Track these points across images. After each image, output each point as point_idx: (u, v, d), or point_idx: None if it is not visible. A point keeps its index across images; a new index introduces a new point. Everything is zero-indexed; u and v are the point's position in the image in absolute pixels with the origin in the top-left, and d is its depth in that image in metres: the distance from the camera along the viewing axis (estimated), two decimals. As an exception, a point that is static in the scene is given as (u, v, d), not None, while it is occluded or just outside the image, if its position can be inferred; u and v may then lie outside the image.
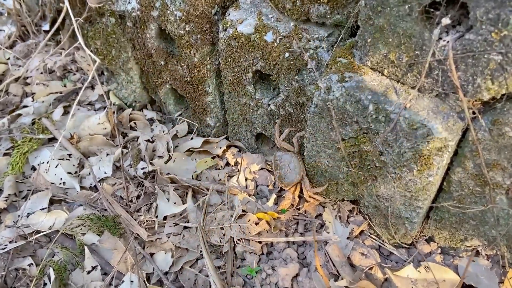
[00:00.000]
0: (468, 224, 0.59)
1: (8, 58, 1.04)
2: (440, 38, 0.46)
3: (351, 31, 0.59)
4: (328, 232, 0.65)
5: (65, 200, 0.72)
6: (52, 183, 0.75)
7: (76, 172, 0.77)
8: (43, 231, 0.66)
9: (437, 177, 0.53)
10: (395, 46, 0.49)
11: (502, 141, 0.48)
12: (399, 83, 0.53)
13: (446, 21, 0.44)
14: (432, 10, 0.45)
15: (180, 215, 0.69)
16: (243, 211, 0.68)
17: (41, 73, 0.98)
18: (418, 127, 0.49)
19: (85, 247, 0.63)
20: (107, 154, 0.80)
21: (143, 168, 0.76)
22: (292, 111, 0.67)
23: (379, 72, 0.54)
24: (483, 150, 0.50)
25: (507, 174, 0.50)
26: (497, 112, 0.47)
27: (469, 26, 0.44)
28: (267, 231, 0.66)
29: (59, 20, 0.90)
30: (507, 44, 0.41)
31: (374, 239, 0.66)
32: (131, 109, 0.90)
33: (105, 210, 0.70)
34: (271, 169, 0.77)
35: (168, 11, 0.69)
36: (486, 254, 0.61)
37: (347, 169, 0.60)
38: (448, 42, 0.45)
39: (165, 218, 0.69)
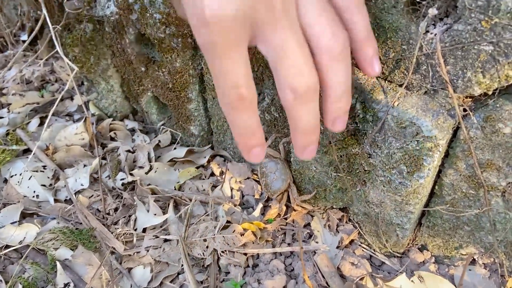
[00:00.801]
0: (463, 230, 0.56)
1: (-15, 70, 1.01)
2: (427, 31, 0.44)
3: (335, 31, 0.57)
4: (316, 242, 0.61)
5: (37, 213, 0.68)
6: (24, 196, 0.71)
7: (50, 185, 0.73)
8: (13, 246, 0.62)
9: (428, 179, 0.50)
10: (381, 41, 0.47)
11: (496, 138, 0.45)
12: (386, 81, 0.50)
13: (433, 11, 0.41)
14: (418, 1, 0.43)
15: (161, 227, 0.65)
16: (228, 222, 0.64)
17: (18, 83, 0.95)
18: (406, 125, 0.47)
19: (57, 263, 0.59)
20: (84, 165, 0.76)
21: (122, 179, 0.72)
22: (277, 115, 0.64)
23: (366, 71, 0.52)
24: (476, 149, 0.47)
25: (503, 174, 0.47)
26: (489, 109, 0.45)
27: (457, 17, 0.42)
28: (253, 242, 0.62)
29: (37, 28, 0.87)
30: (498, 32, 0.39)
31: (364, 248, 0.62)
32: (111, 119, 0.87)
33: (80, 223, 0.66)
34: (258, 178, 0.74)
35: (148, 14, 0.67)
36: (483, 263, 0.58)
37: (335, 174, 0.57)
38: (435, 34, 0.43)
39: (144, 230, 0.65)
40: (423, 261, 0.61)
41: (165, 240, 0.64)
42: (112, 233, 0.63)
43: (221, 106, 0.38)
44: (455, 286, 0.56)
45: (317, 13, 0.35)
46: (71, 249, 0.61)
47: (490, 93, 0.45)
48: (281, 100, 0.37)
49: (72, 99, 0.95)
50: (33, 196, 0.70)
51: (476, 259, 0.58)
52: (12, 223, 0.65)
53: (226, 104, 0.37)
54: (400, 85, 0.49)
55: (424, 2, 0.42)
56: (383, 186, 0.54)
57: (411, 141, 0.47)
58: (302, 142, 0.41)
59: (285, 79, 0.36)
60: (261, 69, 0.60)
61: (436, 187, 0.54)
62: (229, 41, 0.33)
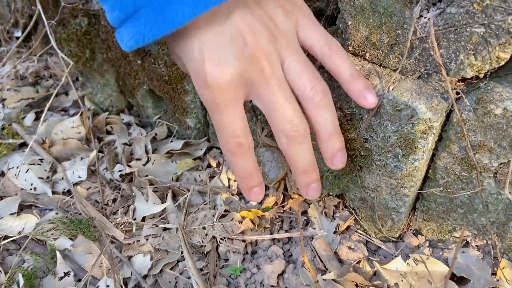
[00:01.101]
0: (456, 213, 0.57)
1: (-22, 67, 1.01)
2: (421, 16, 0.45)
3: (331, 20, 0.58)
4: (314, 228, 0.62)
5: (35, 205, 0.68)
6: (22, 189, 0.71)
7: (48, 177, 0.73)
8: (12, 237, 0.62)
9: (422, 161, 0.52)
10: (376, 26, 0.48)
11: (487, 120, 0.47)
12: (381, 67, 0.52)
13: (426, -5, 0.43)
14: (412, -15, 0.45)
15: (160, 216, 0.65)
16: (226, 210, 0.65)
17: (12, 79, 0.95)
18: (402, 108, 0.48)
19: (57, 252, 0.59)
20: (82, 158, 0.76)
21: (120, 171, 0.73)
22: (273, 105, 0.65)
23: (361, 57, 0.53)
24: (469, 131, 0.49)
25: (494, 155, 0.49)
26: (481, 91, 0.47)
27: (450, 1, 0.44)
28: (251, 230, 0.63)
29: (31, 23, 0.87)
30: (490, 14, 0.40)
31: (360, 234, 0.64)
32: (107, 113, 0.87)
33: (79, 214, 0.66)
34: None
35: (144, 6, 0.67)
36: (476, 245, 0.60)
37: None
38: (429, 18, 0.44)
39: (143, 220, 0.65)
40: (418, 245, 0.62)
41: (164, 229, 0.64)
42: (111, 222, 0.63)
43: (223, 152, 0.46)
44: (449, 267, 0.58)
45: (299, 70, 0.43)
46: (70, 238, 0.61)
47: (481, 76, 0.47)
48: (279, 146, 0.45)
49: (67, 94, 0.95)
50: (31, 189, 0.71)
51: (469, 242, 0.60)
52: (10, 214, 0.65)
53: (227, 151, 0.44)
54: (395, 70, 0.51)
55: (417, -13, 0.43)
56: (379, 170, 0.55)
57: (406, 124, 0.48)
58: (303, 182, 0.48)
59: (278, 127, 0.43)
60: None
61: (430, 170, 0.56)
62: (227, 100, 0.40)
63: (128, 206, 0.67)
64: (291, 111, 0.42)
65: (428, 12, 0.45)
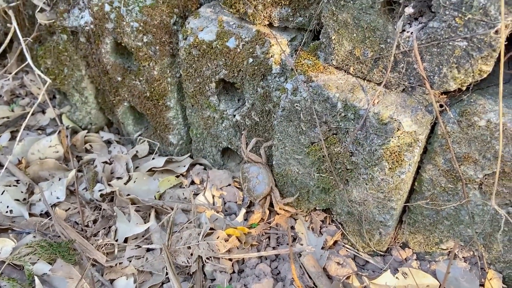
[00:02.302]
0: (443, 225, 0.58)
1: (-50, 85, 0.97)
2: (403, 30, 0.46)
3: (313, 35, 0.59)
4: (301, 244, 0.62)
5: (12, 228, 0.65)
6: (-3, 212, 0.68)
7: (24, 199, 0.70)
8: (-14, 263, 0.59)
9: (409, 174, 0.52)
10: (359, 41, 0.49)
11: (472, 132, 0.47)
12: (365, 81, 0.52)
13: (409, 10, 0.43)
14: (394, 0, 0.45)
15: (143, 236, 0.63)
16: (211, 228, 0.64)
17: (-14, 98, 0.92)
18: (387, 121, 0.48)
19: (36, 278, 0.56)
20: (60, 178, 0.74)
21: (100, 190, 0.71)
22: (258, 120, 0.65)
23: (345, 71, 0.53)
24: (453, 143, 0.49)
25: (479, 167, 0.49)
26: (464, 104, 0.47)
27: (431, 16, 0.44)
28: (238, 248, 0.62)
29: (6, 41, 0.85)
30: (472, 28, 0.41)
31: (348, 248, 0.63)
32: (85, 131, 0.85)
33: (58, 236, 0.63)
34: (239, 185, 0.74)
35: (124, 23, 0.66)
36: (463, 256, 0.60)
37: (318, 174, 0.58)
38: (411, 32, 0.45)
39: (126, 241, 0.63)
40: (406, 258, 0.62)
41: (148, 250, 0.62)
42: (92, 244, 0.61)
43: None
44: (438, 280, 0.57)
45: None
46: (49, 263, 0.59)
47: (464, 88, 0.47)
48: None
49: (44, 112, 0.92)
50: (7, 211, 0.68)
51: (456, 253, 0.60)
52: (-15, 239, 0.62)
53: None
54: (379, 84, 0.51)
55: (401, 1, 0.44)
56: (366, 184, 0.55)
57: (392, 137, 0.48)
58: None
59: None
60: (241, 73, 0.61)
61: (416, 183, 0.56)
62: None
63: (110, 227, 0.65)
64: None
65: (410, 27, 0.46)
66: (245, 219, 0.67)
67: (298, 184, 0.62)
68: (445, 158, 0.51)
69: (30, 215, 0.68)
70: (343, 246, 0.63)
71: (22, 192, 0.71)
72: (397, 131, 0.48)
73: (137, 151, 0.81)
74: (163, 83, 0.71)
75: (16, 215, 0.68)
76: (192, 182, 0.76)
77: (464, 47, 0.43)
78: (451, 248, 0.59)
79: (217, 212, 0.68)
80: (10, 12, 0.85)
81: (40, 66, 0.82)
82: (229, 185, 0.74)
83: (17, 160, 0.77)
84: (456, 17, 0.41)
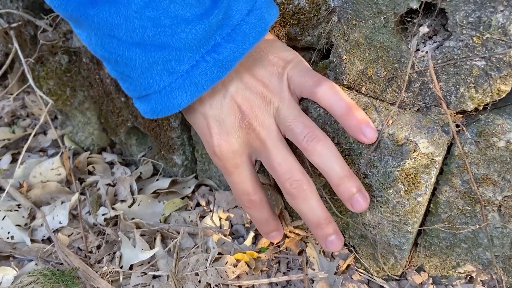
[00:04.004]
0: (460, 248, 0.56)
1: (-50, 107, 0.96)
2: (418, 49, 0.45)
3: (322, 54, 0.57)
4: (313, 269, 0.59)
5: (13, 255, 0.63)
6: (-2, 238, 0.66)
7: (26, 224, 0.69)
8: (-14, 294, 0.57)
9: (425, 196, 0.50)
10: (372, 60, 0.47)
11: (490, 153, 0.46)
12: (378, 100, 0.50)
13: (424, 29, 0.42)
14: (408, 19, 0.44)
15: (148, 263, 0.61)
16: (219, 253, 0.62)
17: (-13, 120, 0.90)
18: (403, 143, 0.46)
19: (37, 309, 0.54)
20: (62, 202, 0.72)
21: (103, 214, 0.69)
22: (265, 140, 0.63)
23: (356, 91, 0.52)
24: (471, 164, 0.47)
25: (498, 188, 0.48)
26: (482, 124, 0.46)
27: (447, 34, 0.43)
28: (247, 273, 0.60)
29: (8, 62, 0.84)
30: (490, 47, 0.40)
31: (361, 273, 0.61)
32: (88, 152, 0.83)
33: (61, 264, 0.61)
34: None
35: (128, 43, 0.65)
36: (481, 280, 0.58)
37: (329, 196, 0.56)
38: (427, 52, 0.44)
39: (131, 267, 0.61)
40: (421, 283, 0.60)
41: (154, 277, 0.60)
42: (96, 272, 0.59)
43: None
44: (456, 305, 0.55)
45: (292, 121, 0.47)
46: (52, 292, 0.57)
47: (481, 108, 0.46)
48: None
49: (45, 134, 0.91)
50: (8, 238, 0.66)
51: (474, 277, 0.58)
52: (-15, 268, 0.60)
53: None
54: (393, 104, 0.49)
55: (415, 21, 0.43)
56: (380, 206, 0.53)
57: (408, 159, 0.47)
58: (320, 235, 0.51)
59: (280, 185, 0.48)
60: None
61: (431, 205, 0.54)
62: (234, 165, 0.47)
63: (114, 253, 0.63)
64: (288, 168, 0.46)
65: (425, 46, 0.44)
66: (254, 243, 0.65)
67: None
68: (463, 179, 0.49)
69: (32, 241, 0.66)
70: (356, 270, 0.61)
71: (23, 217, 0.69)
72: (413, 152, 0.46)
73: (141, 173, 0.79)
74: (168, 104, 0.69)
75: (17, 241, 0.66)
76: (198, 204, 0.74)
77: (482, 66, 0.41)
78: (468, 272, 0.57)
79: (225, 235, 0.66)
80: (12, 33, 0.84)
81: (42, 87, 0.81)
82: (236, 206, 0.72)
83: (18, 184, 0.75)
84: (474, 36, 0.40)
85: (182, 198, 0.74)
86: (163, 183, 0.76)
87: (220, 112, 0.45)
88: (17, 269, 0.60)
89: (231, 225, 0.70)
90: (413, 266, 0.61)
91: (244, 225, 0.69)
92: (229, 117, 0.45)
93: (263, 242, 0.63)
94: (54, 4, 0.39)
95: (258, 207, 0.51)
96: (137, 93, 0.44)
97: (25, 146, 0.72)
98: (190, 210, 0.73)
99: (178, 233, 0.66)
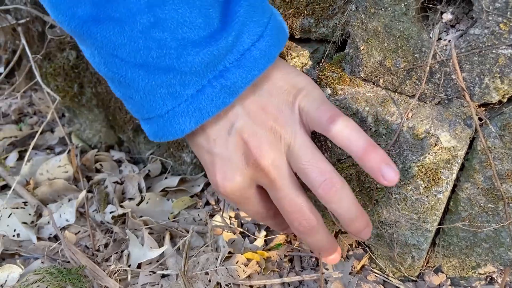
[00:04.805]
0: (481, 248, 0.53)
1: (-43, 105, 0.95)
2: (440, 38, 0.43)
3: (337, 46, 0.56)
4: (327, 269, 0.57)
5: (19, 253, 0.62)
6: (4, 236, 0.64)
7: (32, 222, 0.67)
8: (-9, 292, 0.55)
9: (446, 193, 0.48)
10: (391, 51, 0.46)
11: (515, 147, 0.43)
12: (397, 93, 0.48)
13: (448, 16, 0.40)
14: (430, 6, 0.42)
15: (157, 261, 0.60)
16: (229, 252, 0.60)
17: (-6, 117, 0.89)
18: (424, 136, 0.44)
19: (43, 308, 0.53)
20: (69, 200, 0.70)
21: (111, 212, 0.67)
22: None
23: (373, 84, 0.50)
24: (495, 159, 0.45)
25: (523, 184, 0.45)
26: (506, 117, 0.43)
27: (471, 22, 0.41)
28: (258, 273, 0.58)
29: (15, 58, 0.83)
30: (519, 34, 0.38)
31: (377, 273, 0.59)
32: (96, 150, 0.82)
33: (68, 262, 0.60)
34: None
35: (137, 37, 0.64)
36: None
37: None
38: (449, 41, 0.42)
39: (139, 266, 0.60)
40: (439, 284, 0.58)
41: (163, 276, 0.58)
42: (104, 270, 0.57)
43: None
44: (476, 308, 0.53)
45: (306, 163, 0.43)
46: (58, 291, 0.55)
47: (505, 100, 0.44)
48: None
49: (52, 131, 0.90)
50: (14, 235, 0.64)
51: (495, 278, 0.56)
52: (-9, 266, 0.58)
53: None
54: (412, 96, 0.47)
55: (438, 7, 0.41)
56: (398, 204, 0.51)
57: (428, 153, 0.45)
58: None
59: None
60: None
61: (451, 203, 0.52)
62: (241, 198, 0.45)
63: (122, 251, 0.62)
64: (297, 208, 0.44)
65: (447, 34, 0.42)
66: (265, 241, 0.64)
67: (323, 205, 0.58)
68: (485, 175, 0.47)
69: (38, 239, 0.65)
70: (371, 271, 0.59)
71: (30, 214, 0.68)
72: (434, 146, 0.44)
73: (149, 170, 0.77)
74: (177, 99, 0.68)
75: (23, 239, 0.65)
76: (207, 203, 0.73)
77: (509, 55, 0.39)
78: (489, 273, 0.55)
79: (234, 233, 0.65)
80: (19, 29, 0.83)
81: (50, 83, 0.80)
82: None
83: (25, 181, 0.74)
84: (501, 23, 0.38)
85: (191, 197, 0.73)
86: (172, 181, 0.74)
87: (225, 149, 0.42)
88: (23, 267, 0.59)
89: (241, 224, 0.68)
90: (431, 266, 0.59)
91: (254, 223, 0.67)
92: (235, 155, 0.42)
93: (279, 239, 0.61)
94: (58, 19, 0.38)
95: (272, 218, 0.50)
96: (140, 115, 0.42)
97: (32, 143, 0.71)
98: (199, 208, 0.71)
99: (187, 231, 0.64)
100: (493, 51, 0.40)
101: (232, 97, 0.40)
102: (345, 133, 0.42)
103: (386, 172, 0.40)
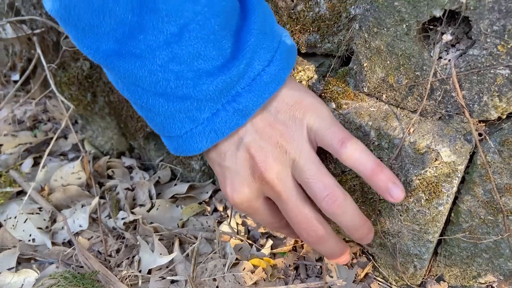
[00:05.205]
0: (481, 258, 0.55)
1: (-26, 111, 0.98)
2: (440, 57, 0.44)
3: (342, 61, 0.57)
4: (331, 276, 0.59)
5: (34, 258, 0.64)
6: (20, 240, 0.67)
7: (47, 227, 0.70)
8: (9, 295, 0.58)
9: (447, 206, 0.49)
10: (393, 68, 0.47)
11: (514, 162, 0.45)
12: (399, 108, 0.50)
13: (447, 37, 0.42)
14: (431, 27, 0.44)
15: (167, 267, 0.62)
16: (237, 259, 0.62)
17: (9, 124, 0.92)
18: (425, 151, 0.46)
19: (58, 311, 0.55)
20: (82, 206, 0.73)
21: (123, 218, 0.70)
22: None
23: (377, 98, 0.52)
24: (494, 173, 0.47)
25: (522, 198, 0.47)
26: (505, 133, 0.45)
27: (470, 42, 0.43)
28: (264, 280, 0.60)
29: (30, 67, 0.86)
30: (515, 56, 0.39)
31: (380, 282, 0.60)
32: (108, 156, 0.85)
33: (81, 267, 0.62)
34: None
35: (149, 50, 0.66)
36: (502, 290, 0.57)
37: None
38: (449, 60, 0.43)
39: (149, 272, 0.62)
40: (441, 292, 0.59)
41: (172, 281, 0.60)
42: (116, 276, 0.59)
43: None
44: (477, 317, 0.54)
45: (310, 178, 0.45)
46: (72, 295, 0.57)
47: (504, 117, 0.45)
48: None
49: (65, 138, 0.93)
50: (29, 240, 0.67)
51: (495, 287, 0.57)
52: (9, 269, 0.61)
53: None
54: (413, 112, 0.49)
55: (438, 29, 0.43)
56: (400, 215, 0.52)
57: (429, 167, 0.46)
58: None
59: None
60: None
61: (452, 214, 0.53)
62: (251, 208, 0.48)
63: (133, 257, 0.64)
64: (304, 218, 0.46)
65: (447, 54, 0.44)
66: (271, 248, 0.65)
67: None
68: (485, 189, 0.48)
69: (53, 244, 0.67)
70: (375, 279, 0.60)
71: (44, 220, 0.70)
72: (435, 161, 0.46)
73: (159, 177, 0.80)
74: (187, 109, 0.70)
75: (38, 243, 0.67)
76: (215, 209, 0.75)
77: (506, 75, 0.41)
78: (489, 282, 0.56)
79: (241, 241, 0.67)
80: (35, 39, 0.86)
81: (64, 92, 0.83)
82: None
83: (39, 187, 0.77)
84: (498, 45, 0.40)
85: (200, 203, 0.75)
86: (181, 188, 0.76)
87: (234, 163, 0.44)
88: (38, 271, 0.61)
89: (248, 231, 0.70)
90: (433, 275, 0.60)
91: (260, 230, 0.69)
92: (243, 168, 0.44)
93: (285, 248, 0.63)
94: (83, 51, 0.41)
95: (285, 228, 0.52)
96: (162, 133, 0.46)
97: (47, 150, 0.73)
98: (207, 215, 0.73)
99: (196, 238, 0.66)
100: (492, 71, 0.41)
101: (244, 118, 0.43)
102: (355, 156, 0.44)
103: (393, 191, 0.43)
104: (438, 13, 0.41)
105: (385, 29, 0.45)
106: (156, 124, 0.45)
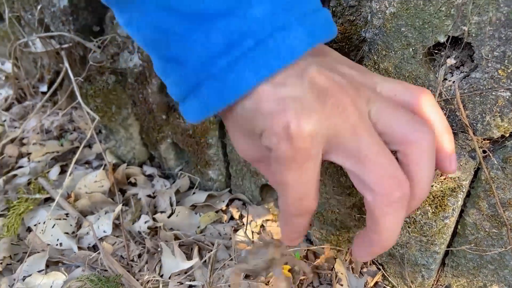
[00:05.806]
0: (487, 269, 0.57)
1: (5, 120, 1.04)
2: (445, 79, 0.47)
3: (353, 79, 0.60)
4: (341, 284, 0.62)
5: (62, 261, 0.69)
6: (48, 244, 0.71)
7: (73, 232, 0.74)
8: (39, 296, 0.62)
9: (452, 219, 0.52)
10: (401, 88, 0.50)
11: (516, 178, 0.47)
12: (407, 126, 0.53)
13: (451, 61, 0.45)
14: (436, 51, 0.46)
15: (185, 273, 0.65)
16: (251, 265, 0.65)
17: (38, 133, 0.97)
18: (431, 167, 0.49)
19: (85, 312, 0.59)
20: (106, 212, 0.77)
21: (146, 222, 0.73)
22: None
23: (386, 116, 0.54)
24: (497, 189, 0.49)
25: (524, 212, 0.49)
26: (508, 150, 0.47)
27: (473, 66, 0.45)
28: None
29: (58, 80, 0.91)
30: (515, 80, 0.42)
31: (389, 290, 0.63)
32: (125, 164, 0.89)
33: (106, 270, 0.66)
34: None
35: (171, 66, 0.70)
36: (508, 301, 0.59)
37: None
38: (453, 82, 0.46)
39: (169, 277, 0.65)
40: (449, 302, 0.61)
41: (190, 286, 0.64)
42: (138, 280, 0.63)
43: (282, 209, 0.38)
44: (483, 326, 0.56)
45: (393, 112, 0.36)
46: (98, 297, 0.61)
47: (507, 135, 0.48)
48: (367, 205, 0.36)
49: (90, 147, 0.97)
50: (57, 244, 0.71)
51: (502, 298, 0.59)
52: (38, 272, 0.65)
53: (289, 212, 0.37)
54: (421, 129, 0.52)
55: (442, 53, 0.45)
56: (408, 227, 0.55)
57: (435, 182, 0.49)
58: (373, 252, 0.40)
59: (373, 182, 0.34)
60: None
61: (459, 226, 0.56)
62: (307, 154, 0.34)
63: (156, 262, 0.67)
64: (389, 162, 0.34)
65: (452, 76, 0.47)
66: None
67: (339, 224, 0.63)
68: (489, 203, 0.51)
69: (79, 248, 0.71)
70: (384, 287, 0.63)
71: (71, 225, 0.75)
72: (440, 176, 0.49)
73: (179, 186, 0.83)
74: (205, 122, 0.74)
75: (65, 248, 0.72)
76: (232, 218, 0.78)
77: (507, 97, 0.43)
78: (496, 293, 0.58)
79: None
80: (63, 53, 0.91)
81: (89, 104, 0.88)
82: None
83: (66, 194, 0.81)
84: (499, 69, 0.42)
85: (216, 212, 0.78)
86: (200, 197, 0.80)
87: (297, 89, 0.33)
88: (66, 274, 0.65)
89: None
90: (441, 285, 0.62)
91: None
92: (311, 93, 0.33)
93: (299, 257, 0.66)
94: None
95: (307, 217, 0.39)
96: (187, 86, 0.35)
97: (74, 159, 0.78)
98: (224, 223, 0.76)
99: (213, 244, 0.69)
100: (493, 93, 0.44)
101: (315, 40, 0.35)
102: (429, 109, 0.40)
103: (454, 161, 0.40)
104: (442, 39, 0.44)
105: (393, 52, 0.48)
106: (183, 70, 0.35)
